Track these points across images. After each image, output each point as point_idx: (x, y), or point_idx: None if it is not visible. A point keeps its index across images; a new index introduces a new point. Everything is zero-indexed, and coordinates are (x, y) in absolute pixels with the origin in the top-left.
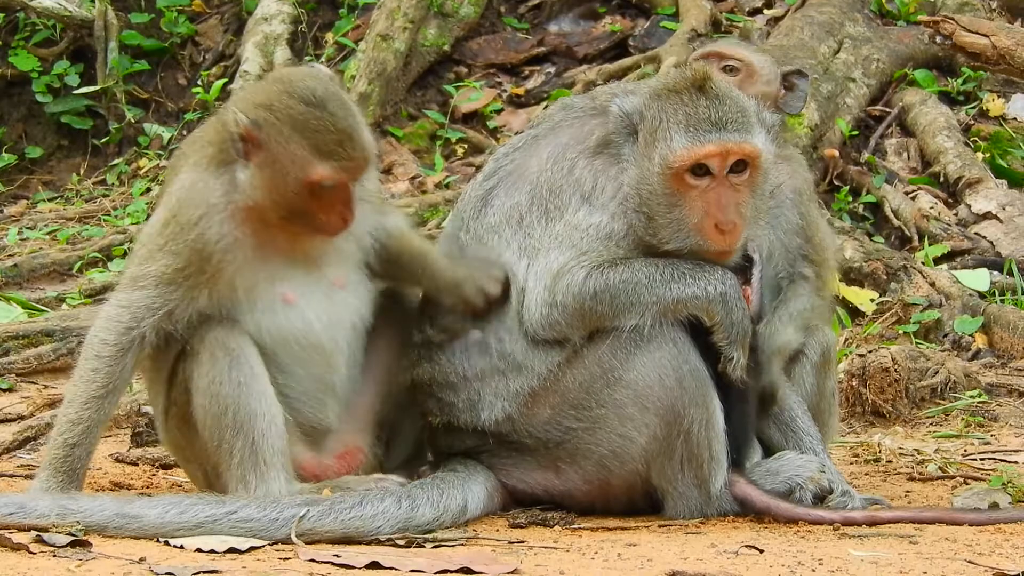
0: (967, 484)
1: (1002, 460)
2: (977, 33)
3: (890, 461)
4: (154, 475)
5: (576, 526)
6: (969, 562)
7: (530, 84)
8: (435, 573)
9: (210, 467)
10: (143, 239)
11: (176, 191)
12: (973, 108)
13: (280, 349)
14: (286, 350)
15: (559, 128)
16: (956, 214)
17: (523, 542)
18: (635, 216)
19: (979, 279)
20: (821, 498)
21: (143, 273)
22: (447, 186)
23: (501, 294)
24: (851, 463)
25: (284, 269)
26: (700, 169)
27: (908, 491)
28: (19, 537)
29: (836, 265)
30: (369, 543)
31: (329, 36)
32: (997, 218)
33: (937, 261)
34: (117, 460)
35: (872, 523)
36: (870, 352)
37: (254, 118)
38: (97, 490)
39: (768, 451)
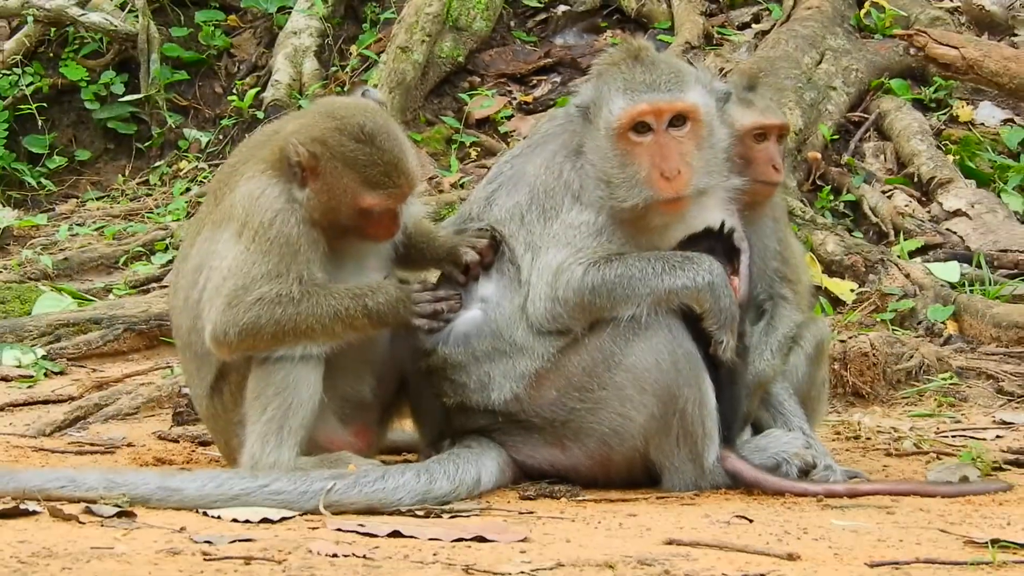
0: (940, 459)
1: (971, 437)
2: (948, 45)
3: (869, 438)
4: (194, 451)
5: (581, 498)
6: (942, 531)
7: (538, 92)
8: (451, 541)
9: (235, 428)
10: (225, 261)
11: (240, 201)
12: (944, 114)
13: None
14: None
15: (548, 138)
16: (929, 211)
17: (532, 512)
18: (599, 188)
19: (950, 271)
20: (806, 472)
21: (249, 281)
22: (462, 186)
23: (488, 251)
24: (833, 440)
25: (339, 261)
26: (641, 127)
27: (885, 466)
28: (70, 508)
29: (808, 281)
30: (391, 514)
31: (353, 48)
32: (966, 215)
33: (912, 254)
34: (160, 438)
35: (853, 495)
36: (850, 338)
37: (311, 151)
38: (141, 465)
39: (756, 430)
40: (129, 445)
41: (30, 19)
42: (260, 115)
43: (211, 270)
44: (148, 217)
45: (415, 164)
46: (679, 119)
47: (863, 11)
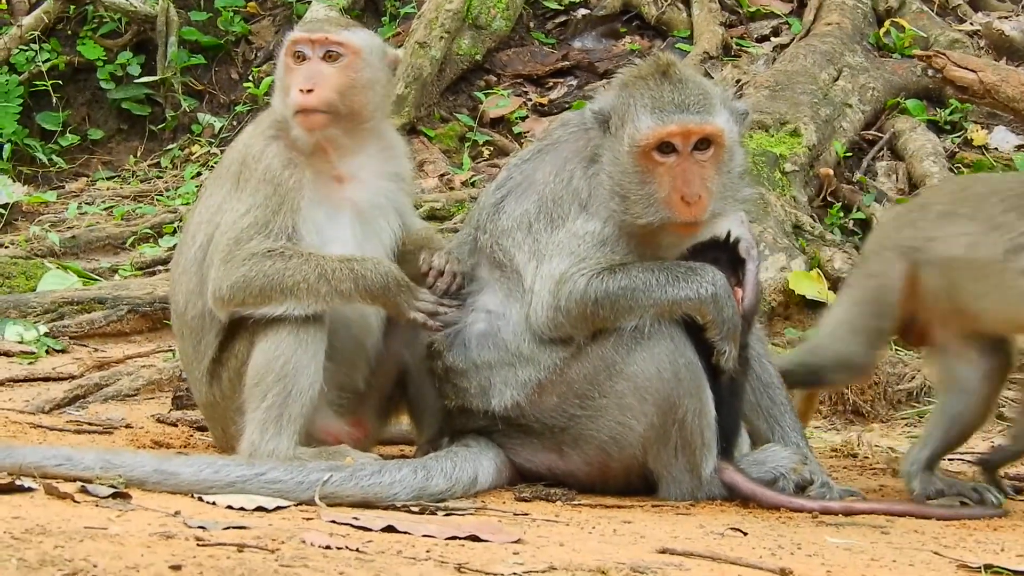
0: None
1: (969, 461)
2: (966, 68)
3: (867, 457)
4: (192, 436)
5: (576, 502)
6: (935, 553)
7: (554, 95)
8: (445, 539)
9: (234, 416)
10: (223, 216)
11: (237, 149)
12: (958, 137)
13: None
14: (334, 309)
15: (560, 143)
16: None
17: (527, 514)
18: (613, 201)
19: None
20: (802, 488)
21: (239, 233)
22: (473, 184)
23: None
24: (831, 457)
25: (335, 226)
26: (666, 147)
27: (882, 485)
28: (65, 487)
29: None
30: (386, 508)
31: None
32: None
33: None
34: (158, 421)
35: (848, 513)
36: None
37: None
38: (139, 447)
39: (755, 444)
40: (127, 426)
41: None
42: None
43: (211, 225)
44: (158, 200)
45: (349, 31)
46: (704, 142)
47: (883, 30)
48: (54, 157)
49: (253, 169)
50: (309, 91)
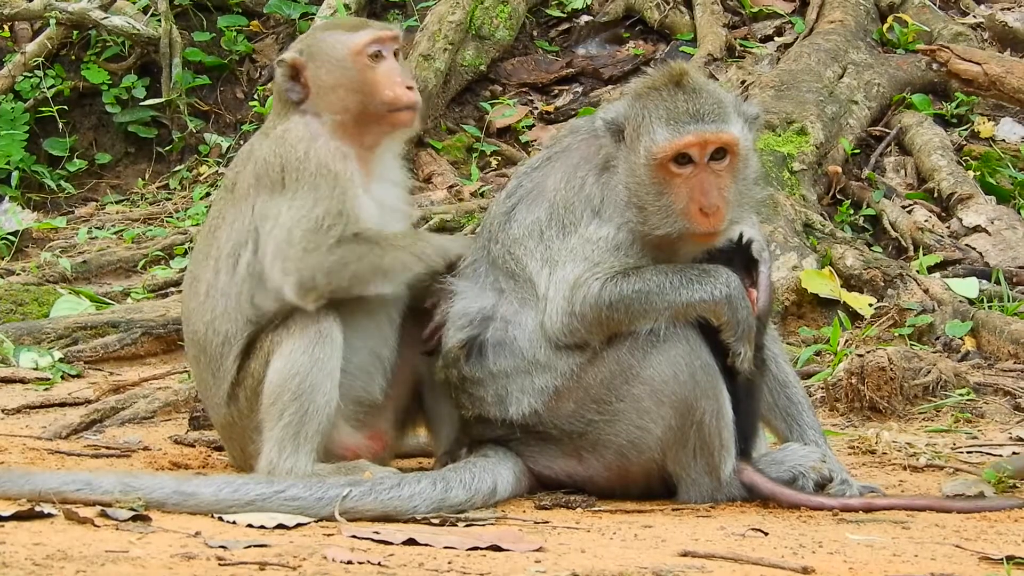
0: (954, 474)
1: (988, 453)
2: (970, 61)
3: (885, 453)
4: (209, 456)
5: (597, 508)
6: (957, 547)
7: (559, 102)
8: (467, 550)
9: (252, 435)
10: (279, 219)
11: (267, 158)
12: (965, 130)
13: (347, 318)
14: (352, 319)
15: (569, 150)
16: (948, 227)
17: (548, 522)
18: (629, 211)
19: (969, 287)
20: (822, 486)
21: (314, 224)
22: (482, 195)
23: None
24: (849, 454)
25: (375, 219)
26: (683, 158)
27: (901, 481)
28: (85, 511)
29: None
30: (406, 521)
31: None
32: (986, 231)
33: (931, 270)
34: (176, 442)
35: (868, 509)
36: (868, 352)
37: (295, 52)
38: (157, 470)
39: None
40: (145, 449)
41: (52, 22)
42: None
43: (261, 235)
44: (167, 221)
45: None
46: (720, 152)
47: (886, 26)
48: (62, 183)
49: (301, 169)
50: (410, 88)
